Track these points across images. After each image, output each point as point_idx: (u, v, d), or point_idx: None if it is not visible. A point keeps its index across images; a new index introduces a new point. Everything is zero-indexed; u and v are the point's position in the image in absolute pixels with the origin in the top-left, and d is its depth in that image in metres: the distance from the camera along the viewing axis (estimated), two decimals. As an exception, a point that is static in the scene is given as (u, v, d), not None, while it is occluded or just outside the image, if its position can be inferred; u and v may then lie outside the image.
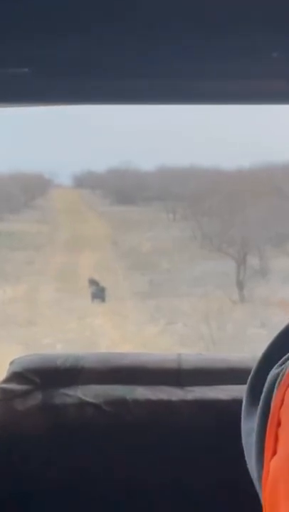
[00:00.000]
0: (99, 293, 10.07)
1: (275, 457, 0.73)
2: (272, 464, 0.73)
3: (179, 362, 1.71)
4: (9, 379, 1.68)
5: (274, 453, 0.74)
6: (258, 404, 0.78)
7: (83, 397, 1.65)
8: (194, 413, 1.65)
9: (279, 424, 0.74)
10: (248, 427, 0.79)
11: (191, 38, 1.25)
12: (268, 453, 0.75)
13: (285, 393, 0.74)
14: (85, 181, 14.04)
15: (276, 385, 0.76)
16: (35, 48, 1.32)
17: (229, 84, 1.50)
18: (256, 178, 12.01)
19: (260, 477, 0.75)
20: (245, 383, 0.87)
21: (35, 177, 13.48)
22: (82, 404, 1.65)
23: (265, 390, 0.77)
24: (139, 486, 1.67)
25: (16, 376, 1.68)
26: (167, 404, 1.64)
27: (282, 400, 0.74)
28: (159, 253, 11.35)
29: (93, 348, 8.18)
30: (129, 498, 1.67)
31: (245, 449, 0.80)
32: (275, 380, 0.77)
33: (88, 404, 1.65)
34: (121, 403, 1.64)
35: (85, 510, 1.68)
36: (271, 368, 0.78)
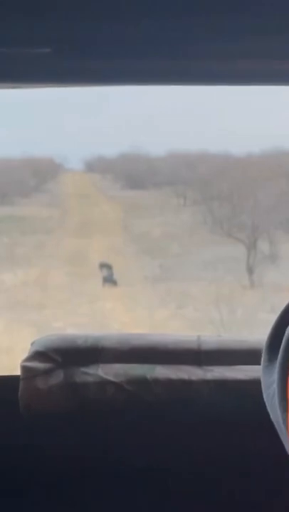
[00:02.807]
0: (110, 277, 10.09)
1: None
2: None
3: (199, 343, 1.73)
4: (31, 358, 1.71)
5: None
6: (277, 359, 0.81)
7: (104, 376, 1.68)
8: (214, 392, 1.67)
9: None
10: (268, 381, 0.83)
11: (207, 17, 1.26)
12: None
13: None
14: (96, 166, 14.04)
15: None
16: (57, 28, 1.32)
17: (244, 65, 1.50)
18: (266, 164, 11.99)
19: (284, 419, 0.79)
20: None
21: (45, 161, 13.48)
22: (103, 383, 1.67)
23: (284, 342, 0.81)
24: (160, 464, 1.69)
25: (38, 355, 1.71)
26: (187, 384, 1.67)
27: None
28: (169, 238, 11.36)
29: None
30: (149, 475, 1.69)
31: (266, 401, 0.83)
32: None
33: (109, 382, 1.67)
34: (141, 382, 1.67)
35: (105, 486, 1.70)
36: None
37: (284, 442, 0.80)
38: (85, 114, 12.62)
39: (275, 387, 0.80)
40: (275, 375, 0.81)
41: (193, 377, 1.67)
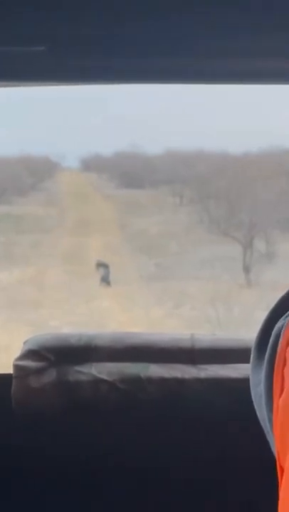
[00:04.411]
0: (106, 276, 10.09)
1: (283, 394, 0.76)
2: (281, 401, 0.76)
3: (192, 341, 1.73)
4: (24, 356, 1.70)
5: (282, 391, 0.76)
6: (265, 356, 0.80)
7: (97, 375, 1.68)
8: (207, 391, 1.67)
9: (285, 364, 0.76)
10: (256, 379, 0.82)
11: (205, 15, 1.25)
12: (276, 392, 0.77)
13: None
14: (93, 164, 14.04)
15: (282, 331, 0.79)
16: (54, 26, 1.32)
17: (242, 63, 1.50)
18: (264, 162, 12.00)
19: (270, 418, 0.78)
20: None
21: (42, 160, 13.49)
22: (97, 382, 1.67)
23: (271, 339, 0.80)
24: (153, 461, 1.69)
25: (30, 354, 1.70)
26: (180, 382, 1.67)
27: (288, 342, 0.77)
28: (166, 237, 11.36)
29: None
30: (143, 472, 1.69)
31: (254, 399, 0.82)
32: (281, 329, 0.79)
33: (102, 381, 1.67)
34: (135, 380, 1.67)
35: (98, 484, 1.70)
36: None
37: (270, 442, 0.79)
38: (82, 113, 12.61)
39: (262, 386, 0.80)
40: (262, 374, 0.80)
41: (187, 376, 1.67)
